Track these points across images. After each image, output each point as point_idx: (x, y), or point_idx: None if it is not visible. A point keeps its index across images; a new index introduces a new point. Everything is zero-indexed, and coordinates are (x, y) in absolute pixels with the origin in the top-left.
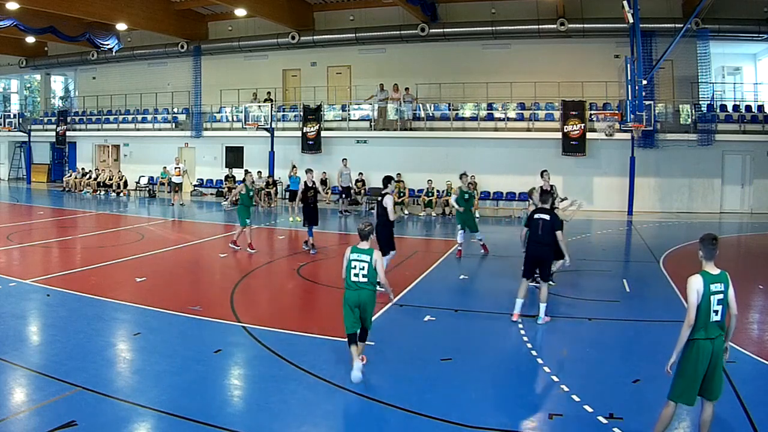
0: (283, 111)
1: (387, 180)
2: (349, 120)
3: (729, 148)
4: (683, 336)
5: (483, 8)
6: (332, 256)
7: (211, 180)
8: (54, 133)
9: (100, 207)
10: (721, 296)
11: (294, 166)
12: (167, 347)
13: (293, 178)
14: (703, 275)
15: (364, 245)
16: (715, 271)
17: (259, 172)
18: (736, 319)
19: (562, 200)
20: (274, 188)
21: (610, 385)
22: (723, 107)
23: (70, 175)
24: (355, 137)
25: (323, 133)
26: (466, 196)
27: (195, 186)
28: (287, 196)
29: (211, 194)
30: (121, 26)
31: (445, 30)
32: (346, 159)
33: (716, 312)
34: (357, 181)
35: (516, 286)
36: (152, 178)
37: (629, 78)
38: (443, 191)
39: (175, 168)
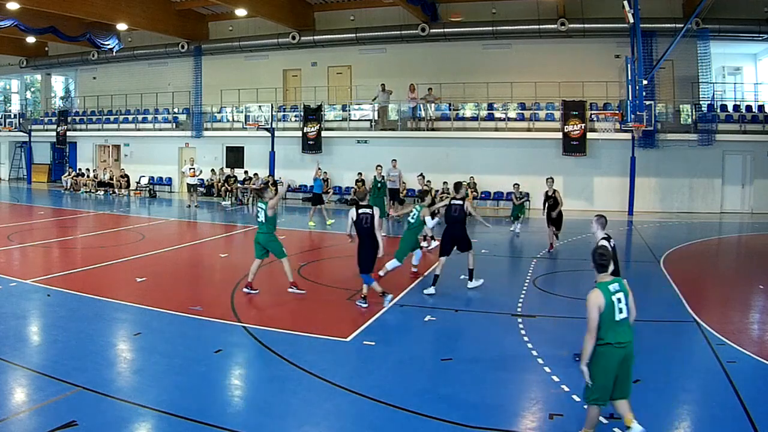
0: (284, 111)
1: (458, 186)
2: (350, 120)
3: (729, 148)
4: None
5: (483, 8)
6: (336, 257)
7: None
8: (54, 133)
9: (100, 207)
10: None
11: (319, 168)
12: (168, 347)
13: (317, 180)
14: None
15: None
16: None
17: (255, 174)
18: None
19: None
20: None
21: None
22: (723, 107)
23: (69, 174)
24: (355, 137)
25: (324, 133)
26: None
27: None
28: (311, 200)
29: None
30: (122, 26)
31: (445, 30)
32: (395, 160)
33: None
34: (357, 181)
35: (516, 286)
36: (153, 178)
37: (630, 78)
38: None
39: (190, 169)
